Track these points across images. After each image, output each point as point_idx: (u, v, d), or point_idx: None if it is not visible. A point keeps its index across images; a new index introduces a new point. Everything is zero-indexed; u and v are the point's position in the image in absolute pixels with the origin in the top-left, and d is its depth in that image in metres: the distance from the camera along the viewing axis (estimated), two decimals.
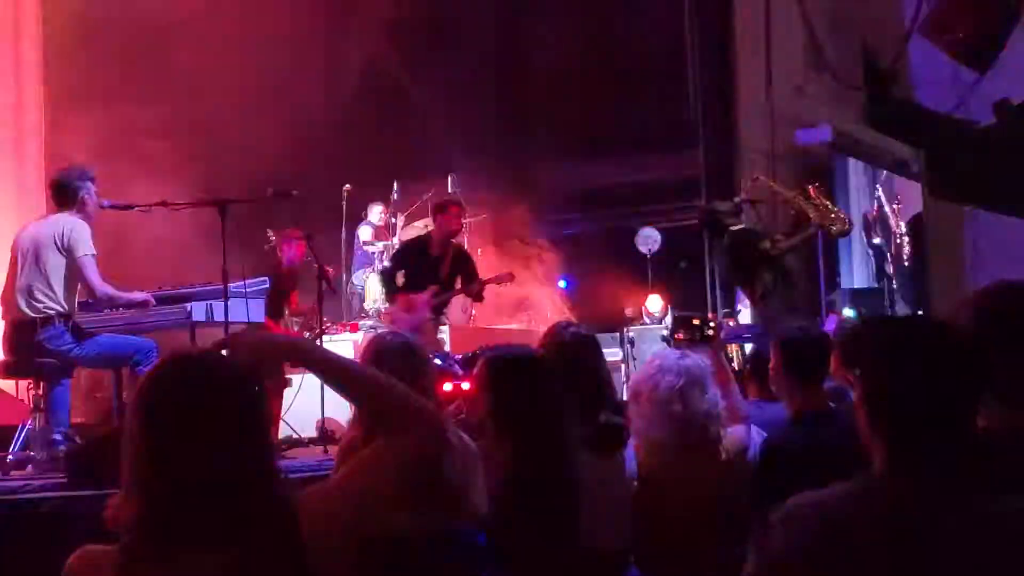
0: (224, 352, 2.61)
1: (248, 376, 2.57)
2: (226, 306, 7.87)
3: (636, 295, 13.36)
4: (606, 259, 13.86)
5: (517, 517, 4.26)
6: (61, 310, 7.77)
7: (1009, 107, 18.59)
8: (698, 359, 5.06)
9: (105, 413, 9.12)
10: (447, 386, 6.72)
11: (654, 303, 13.06)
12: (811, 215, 10.49)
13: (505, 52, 14.97)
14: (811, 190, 10.61)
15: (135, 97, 11.42)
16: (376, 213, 13.40)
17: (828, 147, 16.46)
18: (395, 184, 13.52)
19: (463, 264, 10.94)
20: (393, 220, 13.35)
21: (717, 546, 4.87)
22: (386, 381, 2.70)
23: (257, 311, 8.56)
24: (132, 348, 7.86)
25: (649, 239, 14.10)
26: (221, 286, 7.98)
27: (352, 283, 13.21)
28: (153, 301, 8.17)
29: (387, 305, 11.16)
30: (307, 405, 8.47)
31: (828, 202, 10.74)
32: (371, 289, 12.63)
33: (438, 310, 10.78)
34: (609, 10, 14.53)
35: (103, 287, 7.87)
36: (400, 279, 10.74)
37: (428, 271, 10.66)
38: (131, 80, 11.47)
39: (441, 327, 10.96)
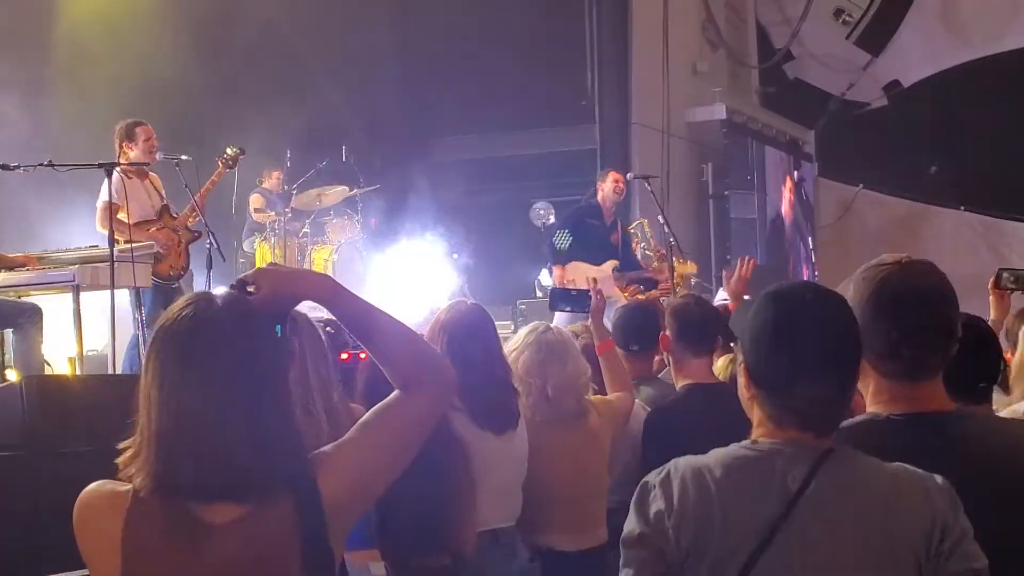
0: (250, 288, 2.46)
1: (268, 315, 2.44)
2: (112, 269, 7.73)
3: (530, 268, 13.36)
4: (502, 231, 13.84)
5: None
6: None
7: (899, 89, 18.98)
8: (561, 332, 5.07)
9: None
10: (343, 356, 6.64)
11: (547, 276, 13.04)
12: None
13: (405, 23, 14.84)
14: None
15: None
16: (273, 179, 13.21)
17: (721, 125, 16.62)
18: (288, 152, 13.37)
19: (628, 237, 11.39)
20: (287, 188, 13.19)
21: (600, 516, 4.90)
22: (410, 333, 2.59)
23: (144, 275, 8.42)
24: (15, 310, 7.71)
25: (543, 212, 14.08)
26: (107, 250, 7.85)
27: (243, 249, 13.03)
28: (36, 263, 8.00)
29: (552, 266, 11.08)
30: None
31: None
32: (261, 256, 12.50)
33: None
34: None
35: None
36: (567, 242, 11.00)
37: (599, 237, 11.01)
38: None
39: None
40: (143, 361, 2.45)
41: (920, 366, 2.75)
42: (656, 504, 2.47)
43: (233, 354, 2.37)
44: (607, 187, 11.24)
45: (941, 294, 2.78)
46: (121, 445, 2.43)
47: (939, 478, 2.45)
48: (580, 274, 10.88)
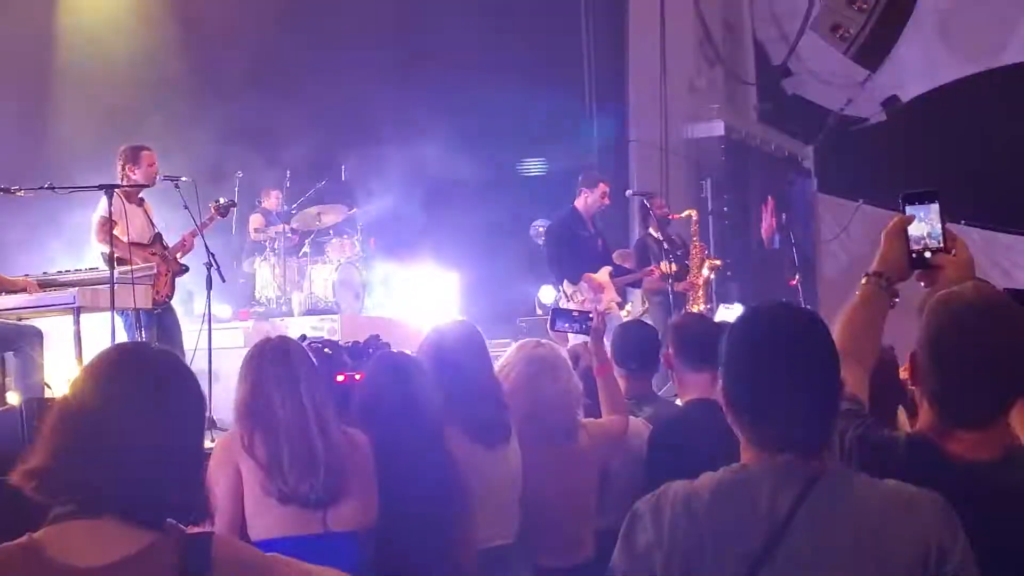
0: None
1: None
2: (112, 291, 7.74)
3: (530, 285, 13.36)
4: (501, 249, 13.83)
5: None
6: None
7: (898, 104, 18.98)
8: (553, 348, 5.06)
9: None
10: (339, 377, 6.64)
11: (546, 294, 13.03)
12: None
13: (400, 42, 14.85)
14: None
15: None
16: (272, 199, 13.23)
17: (720, 141, 16.63)
18: (287, 172, 13.39)
19: (605, 238, 11.35)
20: (286, 208, 13.21)
21: (586, 536, 4.88)
22: None
23: (144, 297, 8.42)
24: (15, 333, 7.70)
25: (542, 230, 14.06)
26: (107, 272, 7.87)
27: (242, 270, 13.02)
28: (36, 286, 8.00)
29: (570, 289, 10.81)
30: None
31: None
32: (261, 276, 12.50)
33: (622, 290, 11.06)
34: (507, 1, 14.50)
35: None
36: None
37: (591, 247, 10.91)
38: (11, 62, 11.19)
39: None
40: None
41: (962, 419, 2.67)
42: (645, 535, 2.46)
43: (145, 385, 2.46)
44: (594, 197, 10.99)
45: (1003, 361, 2.64)
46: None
47: (934, 495, 2.41)
48: (594, 285, 10.77)
